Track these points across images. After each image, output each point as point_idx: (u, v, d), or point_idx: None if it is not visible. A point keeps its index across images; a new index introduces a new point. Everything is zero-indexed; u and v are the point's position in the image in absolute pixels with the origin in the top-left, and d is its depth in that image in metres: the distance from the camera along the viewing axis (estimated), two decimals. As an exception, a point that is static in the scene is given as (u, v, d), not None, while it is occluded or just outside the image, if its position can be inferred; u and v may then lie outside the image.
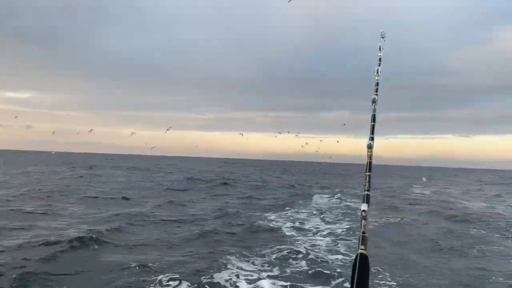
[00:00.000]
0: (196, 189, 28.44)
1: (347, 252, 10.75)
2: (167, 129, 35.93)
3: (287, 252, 10.59)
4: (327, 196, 26.32)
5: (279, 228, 14.11)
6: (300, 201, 22.68)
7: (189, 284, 7.90)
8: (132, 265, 8.94)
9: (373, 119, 2.54)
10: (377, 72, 3.12)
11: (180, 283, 7.91)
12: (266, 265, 9.44)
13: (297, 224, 15.21)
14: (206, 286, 7.84)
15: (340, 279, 8.35)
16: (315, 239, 12.56)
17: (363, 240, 1.68)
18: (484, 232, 14.64)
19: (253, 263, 9.54)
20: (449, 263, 10.17)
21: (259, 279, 8.32)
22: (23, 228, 12.29)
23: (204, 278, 8.19)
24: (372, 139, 2.32)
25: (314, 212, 18.61)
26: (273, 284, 8.03)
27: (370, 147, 2.21)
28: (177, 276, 8.24)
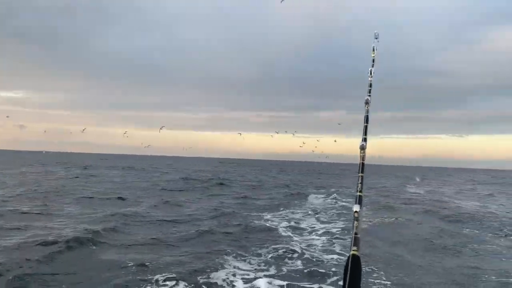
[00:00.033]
0: (191, 189, 28.48)
1: (342, 252, 10.85)
2: (160, 128, 35.94)
3: (283, 252, 10.68)
4: (323, 196, 26.30)
5: (275, 228, 14.19)
6: (296, 201, 22.76)
7: (186, 283, 7.96)
8: (129, 265, 9.01)
9: (366, 120, 2.53)
10: (371, 73, 3.10)
11: (177, 283, 7.97)
12: (263, 264, 9.52)
13: (292, 223, 15.30)
14: (203, 286, 7.91)
15: (335, 278, 8.45)
16: (310, 239, 12.65)
17: (355, 241, 1.67)
18: (477, 231, 14.80)
19: (249, 263, 9.63)
20: (443, 262, 10.30)
21: (256, 278, 8.40)
22: (19, 229, 12.30)
23: (201, 278, 8.26)
24: (365, 140, 2.31)
25: (309, 212, 18.70)
26: (270, 283, 8.12)
27: (362, 148, 2.19)
28: (174, 275, 8.30)
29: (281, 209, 19.54)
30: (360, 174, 2.03)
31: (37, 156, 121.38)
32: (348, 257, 1.60)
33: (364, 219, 16.51)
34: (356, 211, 1.81)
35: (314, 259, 10.05)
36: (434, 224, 16.26)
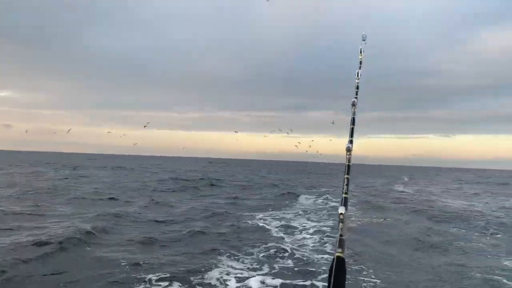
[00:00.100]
0: (182, 189, 28.49)
1: (333, 252, 11.04)
2: (145, 125, 35.84)
3: (274, 251, 10.85)
4: (314, 196, 26.35)
5: (266, 228, 14.34)
6: (286, 202, 22.88)
7: (180, 282, 8.09)
8: (123, 264, 9.11)
9: (353, 122, 2.53)
10: (357, 75, 3.08)
11: (171, 282, 8.10)
12: (255, 263, 9.67)
13: (283, 223, 15.46)
14: (197, 286, 8.03)
15: (325, 275, 8.64)
16: (301, 238, 12.82)
17: (340, 243, 1.66)
18: (464, 230, 15.13)
19: (242, 262, 9.77)
20: (431, 260, 10.57)
21: (249, 277, 8.55)
22: (12, 229, 12.28)
23: (194, 277, 8.38)
24: (351, 142, 2.30)
25: (300, 212, 18.90)
26: (262, 282, 8.28)
27: (349, 150, 2.18)
28: (167, 275, 8.43)
29: (272, 209, 19.69)
30: (346, 176, 2.03)
31: (25, 156, 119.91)
32: (333, 259, 1.60)
33: (353, 218, 16.79)
34: (341, 213, 1.77)
35: (305, 258, 10.24)
36: (422, 223, 16.57)
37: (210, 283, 8.14)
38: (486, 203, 26.20)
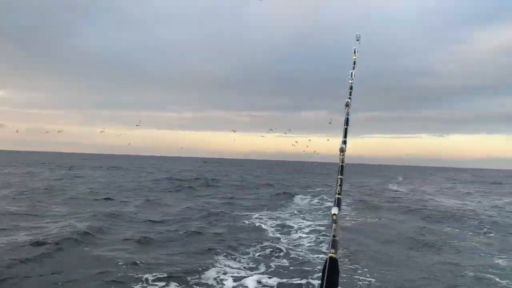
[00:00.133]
0: (178, 189, 28.51)
1: (328, 251, 11.14)
2: (137, 124, 35.71)
3: (270, 251, 10.95)
4: (309, 196, 26.35)
5: (262, 228, 14.43)
6: (282, 202, 22.93)
7: (177, 281, 8.17)
8: (120, 264, 9.15)
9: (346, 122, 2.52)
10: (351, 76, 3.06)
11: (168, 281, 8.17)
12: (252, 263, 9.76)
13: (279, 223, 15.55)
14: (194, 285, 8.10)
15: (321, 274, 8.73)
16: (297, 238, 12.92)
17: (334, 244, 1.65)
18: (457, 229, 15.29)
19: (239, 261, 9.85)
20: (425, 259, 10.71)
21: (246, 276, 8.64)
22: (9, 229, 12.30)
23: (191, 277, 8.45)
24: (344, 142, 2.29)
25: (295, 212, 19.01)
26: (259, 281, 8.37)
27: (342, 150, 2.17)
28: (164, 274, 8.50)
29: (267, 209, 19.76)
30: (339, 177, 2.01)
31: (19, 156, 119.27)
32: (326, 259, 1.59)
33: (347, 218, 16.92)
34: (334, 214, 1.76)
35: (301, 258, 10.36)
36: (417, 222, 16.74)
37: (207, 283, 8.21)
38: (479, 202, 26.47)
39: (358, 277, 8.71)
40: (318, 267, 9.32)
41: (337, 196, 1.89)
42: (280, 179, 47.15)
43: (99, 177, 38.29)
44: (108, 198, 21.21)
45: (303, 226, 14.99)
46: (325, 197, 25.32)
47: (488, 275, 9.06)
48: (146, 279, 8.25)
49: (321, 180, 48.06)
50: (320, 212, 19.25)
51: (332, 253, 1.61)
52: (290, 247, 11.50)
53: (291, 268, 9.43)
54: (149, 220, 15.15)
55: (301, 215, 17.93)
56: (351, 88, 2.93)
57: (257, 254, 10.63)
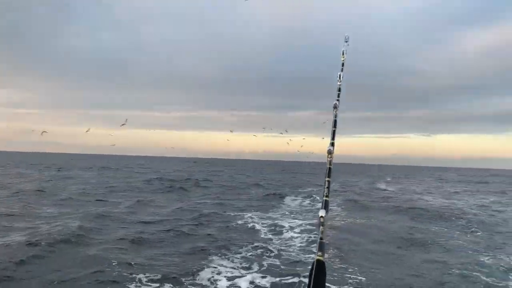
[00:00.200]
0: (169, 190, 28.49)
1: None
2: (123, 123, 35.13)
3: (263, 251, 11.08)
4: (300, 197, 26.41)
5: (254, 228, 14.58)
6: (273, 202, 23.01)
7: (170, 282, 8.27)
8: (113, 264, 9.21)
9: (334, 124, 2.49)
10: (339, 78, 3.02)
11: (161, 281, 8.28)
12: (245, 263, 9.88)
13: (270, 223, 15.69)
14: (188, 286, 8.21)
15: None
16: (288, 238, 13.08)
17: (321, 246, 1.64)
18: (445, 229, 15.59)
19: (232, 261, 9.99)
20: (413, 257, 10.95)
21: (239, 276, 8.79)
22: (1, 230, 12.27)
23: (184, 277, 8.53)
24: (332, 144, 2.27)
25: (287, 212, 19.19)
26: (252, 282, 8.51)
27: (330, 152, 2.14)
28: (158, 274, 8.61)
29: (259, 210, 19.85)
30: (327, 179, 1.99)
31: (5, 156, 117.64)
32: (313, 262, 1.58)
33: (337, 218, 17.14)
34: (321, 216, 1.74)
35: (293, 257, 10.53)
36: (406, 221, 17.04)
37: (201, 284, 8.30)
38: (467, 201, 26.97)
39: (349, 275, 8.91)
40: (309, 267, 9.45)
41: (324, 198, 1.87)
42: (273, 179, 47.28)
43: (90, 178, 38.09)
44: (100, 199, 21.19)
45: (294, 225, 15.16)
46: (317, 197, 25.49)
47: (474, 273, 9.32)
48: (140, 280, 8.34)
49: (315, 179, 48.27)
50: (311, 214, 19.43)
51: (319, 256, 1.59)
52: (282, 247, 11.67)
53: (283, 267, 9.59)
54: (141, 221, 15.20)
55: (292, 215, 18.11)
56: (339, 90, 2.90)
57: (250, 254, 10.77)
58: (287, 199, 25.06)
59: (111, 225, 14.14)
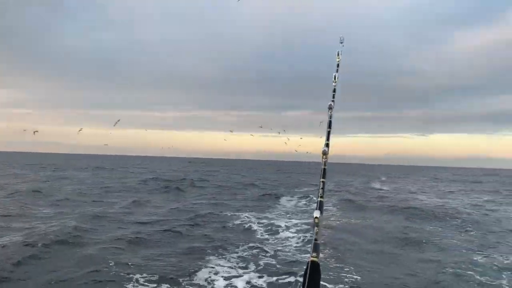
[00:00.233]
0: (164, 190, 28.48)
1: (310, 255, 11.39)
2: (116, 123, 34.81)
3: (259, 251, 11.16)
4: (296, 197, 26.44)
5: (250, 228, 14.64)
6: (268, 203, 22.99)
7: (167, 281, 8.33)
8: (110, 264, 9.26)
9: (329, 125, 2.49)
10: (335, 78, 3.02)
11: (158, 281, 8.34)
12: (241, 263, 9.94)
13: (266, 223, 15.75)
14: (186, 286, 8.27)
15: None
16: (284, 238, 13.15)
17: (315, 247, 1.61)
18: (440, 228, 15.73)
19: (229, 261, 10.05)
20: (408, 257, 11.06)
21: (236, 276, 8.86)
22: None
23: (181, 277, 8.60)
24: (327, 145, 2.26)
25: (282, 212, 19.27)
26: (248, 282, 8.58)
27: (325, 153, 2.13)
28: (154, 274, 8.69)
29: (255, 210, 19.89)
30: (321, 180, 1.99)
31: (1, 157, 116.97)
32: (308, 263, 1.56)
33: (332, 218, 17.24)
34: (316, 217, 1.71)
35: (289, 257, 10.61)
36: (401, 221, 17.17)
37: (198, 284, 8.37)
38: (461, 200, 27.18)
39: (344, 274, 9.01)
40: (305, 267, 9.52)
41: (319, 199, 1.86)
42: (270, 179, 47.37)
43: (85, 178, 37.99)
44: (95, 200, 21.20)
45: (290, 225, 15.23)
46: (313, 197, 25.53)
47: (468, 272, 9.45)
48: (137, 280, 8.39)
49: (311, 178, 48.42)
50: (306, 214, 19.52)
51: (314, 257, 1.58)
52: (279, 247, 11.75)
53: (279, 266, 9.67)
54: (138, 221, 15.23)
55: (288, 215, 18.18)
56: (334, 91, 2.92)
57: (246, 253, 10.84)
58: (283, 199, 25.12)
59: (107, 225, 14.16)
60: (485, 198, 29.82)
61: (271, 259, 10.34)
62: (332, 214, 18.27)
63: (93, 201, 20.76)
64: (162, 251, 10.85)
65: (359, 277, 8.90)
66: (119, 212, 17.09)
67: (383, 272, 9.44)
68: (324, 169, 2.06)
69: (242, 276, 8.88)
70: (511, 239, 13.79)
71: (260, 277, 8.84)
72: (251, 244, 11.83)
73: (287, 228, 14.71)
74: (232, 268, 9.49)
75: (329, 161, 2.14)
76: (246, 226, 14.98)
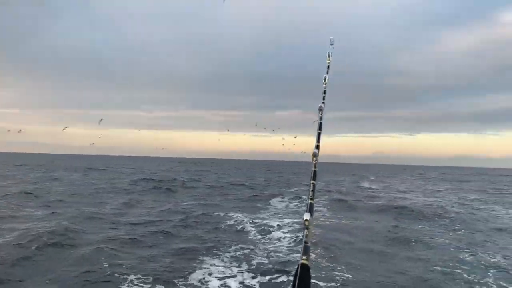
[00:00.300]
0: (156, 191, 28.44)
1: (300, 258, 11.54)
2: (99, 121, 34.50)
3: (252, 251, 11.30)
4: (287, 198, 26.43)
5: (242, 228, 14.75)
6: (260, 204, 23.04)
7: (160, 282, 8.42)
8: (104, 266, 9.32)
9: (319, 127, 2.47)
10: (325, 80, 3.01)
11: (152, 281, 8.44)
12: (234, 263, 10.07)
13: (258, 223, 15.85)
14: (180, 286, 8.37)
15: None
16: (276, 238, 13.27)
17: (305, 250, 1.60)
18: (428, 227, 16.00)
19: (222, 261, 10.19)
20: (398, 255, 11.26)
21: (229, 276, 8.99)
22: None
23: (175, 278, 8.69)
24: (317, 147, 2.24)
25: (273, 212, 19.41)
26: (241, 282, 8.70)
27: (315, 155, 2.12)
28: (148, 275, 8.80)
29: (247, 210, 19.95)
30: (312, 182, 1.97)
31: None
32: (298, 266, 1.54)
33: (324, 217, 17.44)
34: (306, 220, 1.70)
35: (281, 257, 10.76)
36: (390, 220, 17.43)
37: (192, 284, 8.47)
38: (449, 200, 27.60)
39: (336, 273, 9.19)
40: (295, 270, 9.65)
41: (309, 201, 1.84)
42: (261, 179, 47.39)
43: (75, 179, 37.69)
44: (87, 200, 21.16)
45: (282, 225, 15.36)
46: (305, 197, 25.60)
47: (455, 270, 9.69)
48: (131, 281, 8.46)
49: (304, 178, 48.63)
50: (297, 215, 19.67)
51: (304, 260, 1.56)
52: (271, 247, 11.89)
53: (271, 266, 9.81)
54: (130, 222, 15.26)
55: (279, 215, 18.33)
56: (324, 92, 2.91)
57: (239, 254, 10.97)
58: (275, 200, 25.18)
59: (100, 226, 14.18)
60: (472, 197, 30.33)
61: (264, 259, 10.48)
62: (322, 215, 18.47)
63: (85, 202, 20.68)
64: (156, 252, 10.92)
65: (350, 276, 9.09)
66: (111, 213, 17.10)
67: (374, 271, 9.65)
68: (315, 171, 2.06)
69: (236, 276, 9.02)
70: (497, 238, 14.12)
71: (253, 277, 8.97)
72: (244, 245, 11.97)
73: (279, 228, 14.85)
74: (225, 267, 9.62)
75: (318, 160, 2.14)
76: (239, 227, 15.08)
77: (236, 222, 15.89)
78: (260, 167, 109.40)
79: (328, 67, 3.30)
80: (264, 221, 16.26)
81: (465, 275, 9.35)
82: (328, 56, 3.38)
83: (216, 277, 8.92)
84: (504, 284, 8.80)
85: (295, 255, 10.93)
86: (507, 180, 63.14)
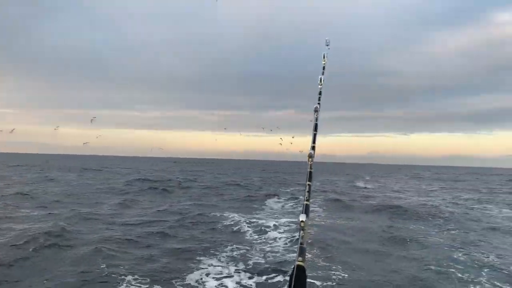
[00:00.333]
0: (152, 191, 28.41)
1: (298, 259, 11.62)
2: (91, 120, 34.25)
3: (248, 251, 11.38)
4: (283, 199, 26.48)
5: (239, 228, 14.82)
6: (255, 204, 23.07)
7: (157, 282, 8.48)
8: (102, 267, 9.34)
9: (315, 128, 2.47)
10: (321, 81, 3.02)
11: (149, 281, 8.49)
12: (231, 263, 10.15)
13: (255, 224, 15.92)
14: (178, 286, 8.44)
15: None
16: (272, 239, 13.34)
17: (301, 251, 1.60)
18: (423, 226, 16.15)
19: (219, 261, 10.25)
20: (393, 255, 11.37)
21: (226, 276, 9.06)
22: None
23: (172, 278, 8.76)
24: (313, 148, 2.24)
25: (270, 212, 19.49)
26: (238, 282, 8.78)
27: (311, 156, 2.12)
28: (145, 275, 8.85)
29: (243, 210, 19.99)
30: (307, 183, 1.96)
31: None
32: (293, 267, 1.53)
33: (320, 217, 17.55)
34: (302, 221, 1.70)
35: (278, 257, 10.84)
36: (384, 220, 17.58)
37: (189, 284, 8.53)
38: (443, 199, 27.82)
39: (332, 272, 9.29)
40: (291, 271, 9.73)
41: (305, 202, 1.83)
42: (257, 179, 47.47)
43: (71, 179, 37.56)
44: (83, 201, 21.13)
45: (278, 225, 15.43)
46: (301, 197, 25.54)
47: (449, 269, 9.81)
48: (129, 281, 8.50)
49: (300, 178, 48.77)
50: (292, 215, 19.76)
51: (300, 261, 1.55)
52: (267, 247, 11.98)
53: (267, 266, 9.89)
54: (127, 223, 15.29)
55: (276, 215, 18.41)
56: (320, 93, 2.91)
57: (236, 254, 11.05)
58: (270, 200, 25.25)
59: (96, 227, 14.20)
60: (466, 196, 30.59)
61: (261, 259, 10.56)
62: (318, 214, 18.58)
63: (81, 202, 20.66)
64: (153, 252, 10.96)
65: (346, 275, 9.19)
66: (107, 214, 17.11)
67: (369, 270, 9.76)
68: (310, 172, 2.05)
69: (233, 276, 9.09)
70: (491, 237, 14.28)
71: (250, 277, 9.05)
72: (240, 245, 12.04)
73: (275, 228, 14.92)
74: (223, 268, 9.69)
75: (313, 160, 2.13)
76: (235, 227, 15.14)
77: (232, 223, 15.94)
78: (257, 166, 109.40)
79: (324, 67, 3.30)
80: (260, 221, 16.32)
81: (459, 274, 9.47)
82: (324, 57, 3.39)
83: (213, 277, 8.98)
84: (497, 283, 8.93)
85: (291, 255, 11.00)
86: (500, 180, 63.62)
